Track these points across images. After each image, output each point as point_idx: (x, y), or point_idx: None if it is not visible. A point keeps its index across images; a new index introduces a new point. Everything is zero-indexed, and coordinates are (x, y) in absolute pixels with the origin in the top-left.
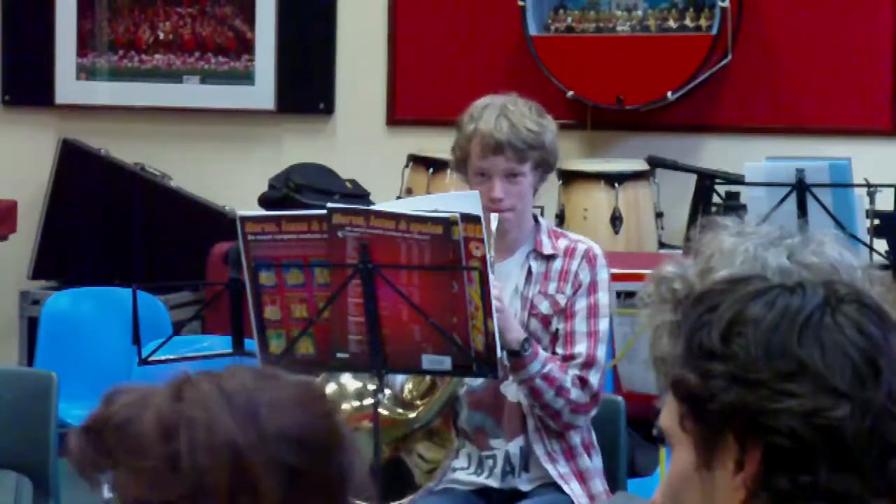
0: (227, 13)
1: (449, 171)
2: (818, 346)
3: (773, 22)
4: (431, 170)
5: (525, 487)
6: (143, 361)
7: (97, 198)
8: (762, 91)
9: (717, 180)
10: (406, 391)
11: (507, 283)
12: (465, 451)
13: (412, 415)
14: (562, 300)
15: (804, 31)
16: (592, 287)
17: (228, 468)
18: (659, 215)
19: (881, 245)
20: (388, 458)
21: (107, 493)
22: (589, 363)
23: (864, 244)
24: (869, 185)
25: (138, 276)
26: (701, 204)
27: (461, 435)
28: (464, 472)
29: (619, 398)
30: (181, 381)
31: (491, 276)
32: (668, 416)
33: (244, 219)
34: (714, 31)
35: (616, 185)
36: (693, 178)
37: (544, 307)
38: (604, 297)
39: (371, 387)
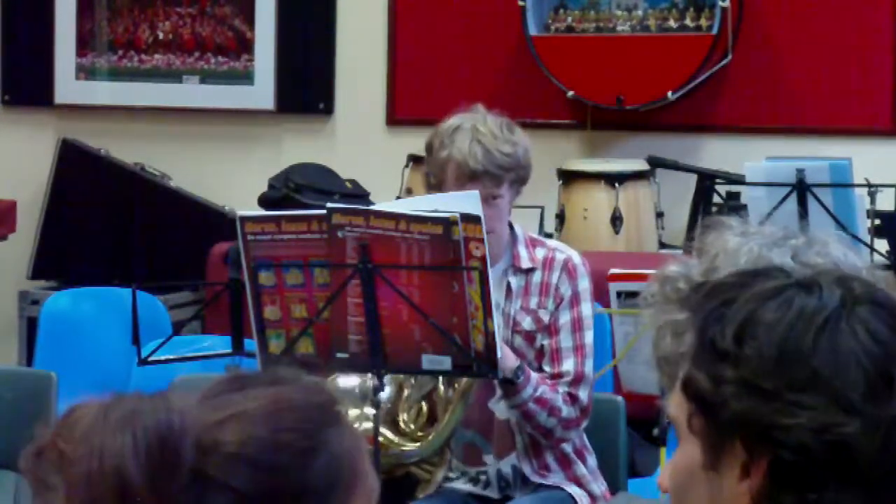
0: (226, 13)
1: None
2: (832, 354)
3: (773, 22)
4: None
5: (523, 498)
6: (143, 361)
7: (97, 198)
8: (762, 91)
9: (718, 180)
10: (402, 421)
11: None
12: (457, 466)
13: (409, 447)
14: (544, 316)
15: (804, 31)
16: (575, 299)
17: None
18: (659, 215)
19: (882, 245)
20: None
21: None
22: (577, 380)
23: (865, 244)
24: (869, 185)
25: (138, 276)
26: (701, 204)
27: (452, 453)
28: (460, 482)
29: (619, 398)
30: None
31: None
32: (677, 407)
33: (244, 219)
34: (714, 31)
35: (616, 185)
36: (693, 178)
37: (527, 323)
38: (587, 309)
39: (369, 411)
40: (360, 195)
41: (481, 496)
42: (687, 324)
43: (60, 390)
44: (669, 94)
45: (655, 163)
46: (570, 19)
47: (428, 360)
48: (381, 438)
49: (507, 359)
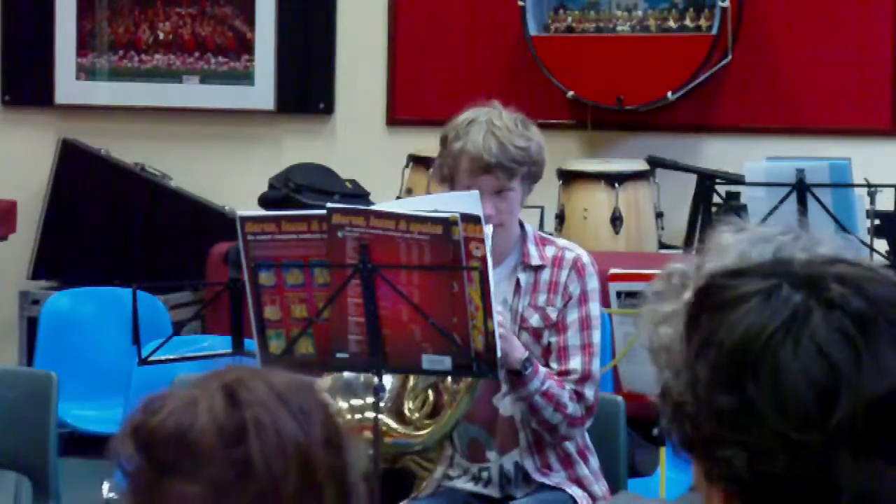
0: (226, 13)
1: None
2: (773, 377)
3: (773, 22)
4: (431, 170)
5: (524, 498)
6: (143, 361)
7: (97, 198)
8: (762, 91)
9: (718, 180)
10: (407, 409)
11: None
12: (459, 462)
13: (414, 437)
14: (552, 314)
15: (804, 31)
16: (583, 298)
17: (297, 471)
18: (659, 215)
19: (881, 245)
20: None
21: (107, 493)
22: (584, 378)
23: (865, 244)
24: (869, 185)
25: (138, 276)
26: (701, 204)
27: (456, 450)
28: (460, 481)
29: (619, 398)
30: (230, 382)
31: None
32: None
33: (244, 219)
34: (714, 32)
35: (616, 185)
36: (693, 178)
37: (535, 320)
38: (595, 308)
39: (369, 400)
40: (360, 195)
41: (482, 495)
42: (672, 317)
43: (61, 390)
44: (669, 94)
45: (655, 163)
46: (569, 19)
47: (428, 360)
48: (383, 427)
49: (516, 350)
